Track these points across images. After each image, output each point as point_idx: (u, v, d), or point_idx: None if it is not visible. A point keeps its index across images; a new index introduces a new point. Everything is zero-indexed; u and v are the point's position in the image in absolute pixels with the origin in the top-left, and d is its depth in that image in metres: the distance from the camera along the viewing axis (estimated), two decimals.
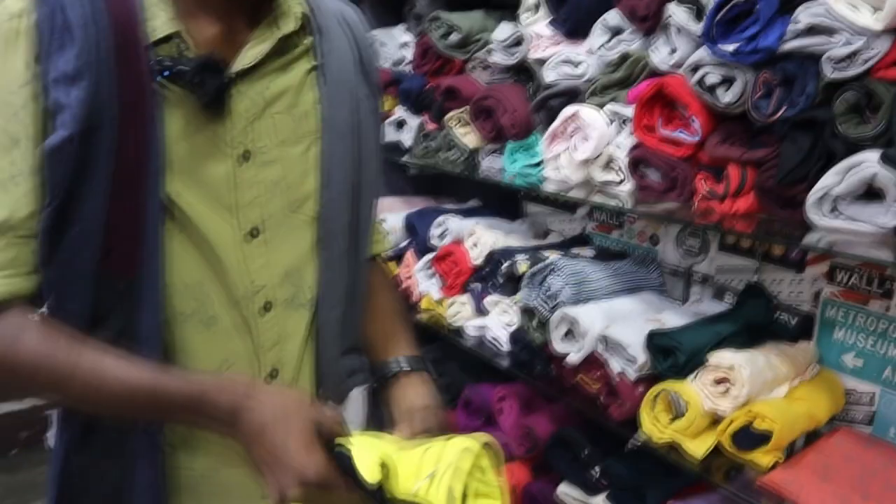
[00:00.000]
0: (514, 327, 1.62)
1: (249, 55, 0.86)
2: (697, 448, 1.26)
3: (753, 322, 1.41)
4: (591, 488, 1.52)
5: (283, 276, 0.92)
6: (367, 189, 0.99)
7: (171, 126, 0.82)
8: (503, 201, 2.04)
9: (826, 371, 1.40)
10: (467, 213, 2.01)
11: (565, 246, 1.76)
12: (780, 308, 1.47)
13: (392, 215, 2.11)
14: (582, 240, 1.81)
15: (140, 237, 0.81)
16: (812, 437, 1.32)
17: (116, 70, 0.77)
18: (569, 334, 1.47)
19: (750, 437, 1.22)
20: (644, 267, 1.64)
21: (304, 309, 0.95)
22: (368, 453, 0.79)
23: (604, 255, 1.67)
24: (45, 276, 0.81)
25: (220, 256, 0.86)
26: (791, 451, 1.27)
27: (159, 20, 0.81)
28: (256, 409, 0.78)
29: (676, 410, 1.29)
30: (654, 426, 1.31)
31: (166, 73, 0.80)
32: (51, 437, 3.34)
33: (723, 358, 1.25)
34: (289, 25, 0.89)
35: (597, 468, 1.51)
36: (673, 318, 1.43)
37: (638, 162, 1.35)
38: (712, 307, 1.53)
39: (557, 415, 1.68)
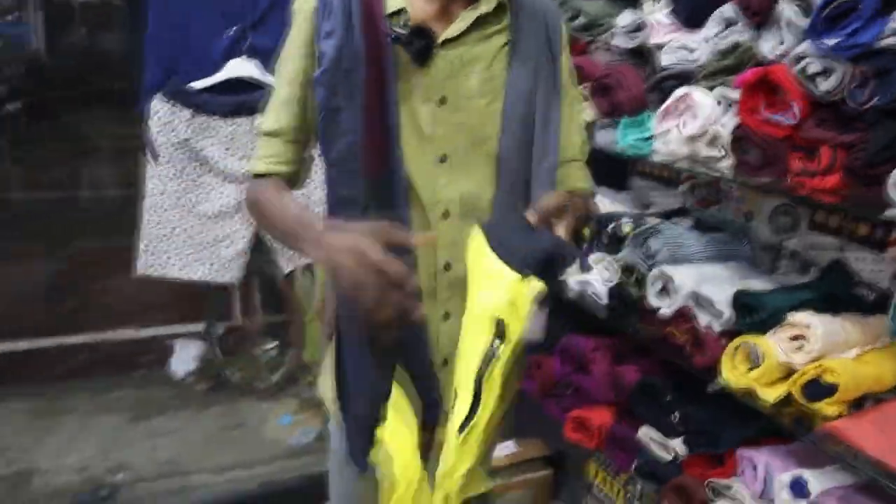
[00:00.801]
0: (613, 283, 1.81)
1: (453, 28, 1.16)
2: (770, 395, 1.43)
3: (833, 293, 1.55)
4: (670, 432, 1.71)
5: (461, 194, 1.18)
6: (541, 140, 1.22)
7: (397, 73, 1.15)
8: (610, 174, 2.22)
9: None
10: None
11: (666, 216, 1.93)
12: (861, 284, 1.60)
13: None
14: (682, 212, 1.98)
15: (387, 148, 1.14)
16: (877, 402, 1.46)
17: (363, 32, 1.13)
18: (662, 291, 1.66)
19: (818, 389, 1.38)
20: (737, 240, 1.80)
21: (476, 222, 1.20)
22: None
23: (701, 227, 1.83)
24: (326, 174, 1.20)
25: (416, 172, 1.16)
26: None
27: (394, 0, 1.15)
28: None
29: (754, 361, 1.46)
30: (733, 374, 1.48)
31: (393, 36, 1.13)
32: (173, 362, 3.75)
33: (800, 318, 1.41)
34: (487, 7, 1.17)
35: (676, 413, 1.69)
36: (759, 285, 1.59)
37: (740, 140, 1.52)
38: (797, 280, 1.68)
39: (644, 366, 1.87)
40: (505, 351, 1.01)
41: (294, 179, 1.24)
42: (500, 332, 1.01)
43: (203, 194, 2.06)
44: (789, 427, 1.40)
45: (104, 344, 3.78)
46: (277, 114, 1.21)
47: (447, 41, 1.17)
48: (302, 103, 1.19)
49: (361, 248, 0.94)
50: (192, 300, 3.75)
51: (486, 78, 1.19)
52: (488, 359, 1.02)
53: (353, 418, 1.30)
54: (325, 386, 1.38)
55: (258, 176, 1.21)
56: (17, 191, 4.45)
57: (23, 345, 3.61)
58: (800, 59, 1.38)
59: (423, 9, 1.16)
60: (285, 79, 1.20)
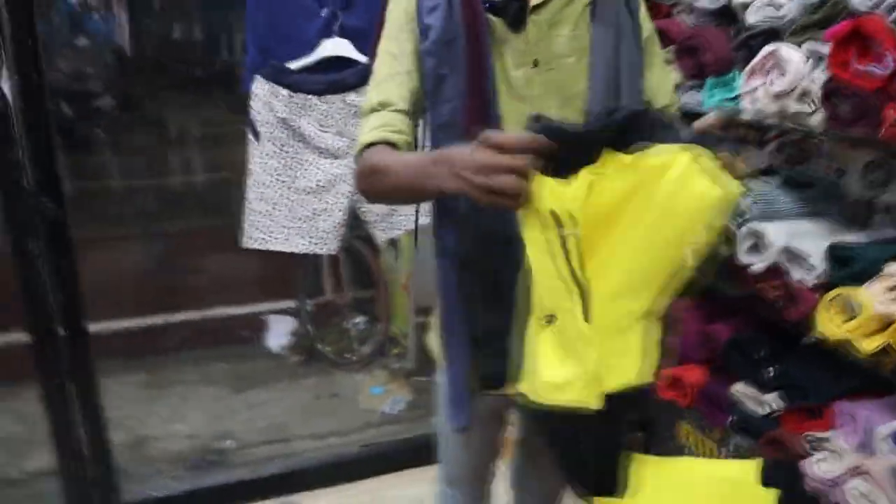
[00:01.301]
0: None
1: None
2: (868, 345, 1.44)
3: None
4: (764, 386, 1.73)
5: None
6: (627, 91, 1.29)
7: (493, 40, 1.24)
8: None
9: None
10: None
11: (755, 175, 1.93)
12: None
13: None
14: (770, 172, 1.98)
15: (487, 110, 1.23)
16: None
17: (462, 3, 1.23)
18: (753, 248, 1.67)
19: None
20: (828, 196, 1.79)
21: None
22: None
23: (791, 184, 1.83)
24: (431, 138, 1.30)
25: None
26: None
27: None
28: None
29: (850, 313, 1.47)
30: (829, 326, 1.49)
31: (487, 5, 1.22)
32: (268, 337, 3.93)
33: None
34: None
35: (771, 368, 1.71)
36: (853, 239, 1.59)
37: (831, 94, 1.52)
38: (893, 234, 1.67)
39: (735, 325, 1.89)
40: None
41: (404, 149, 1.29)
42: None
43: (301, 170, 2.16)
44: (889, 376, 1.40)
45: (204, 321, 3.99)
46: (384, 88, 1.29)
47: (536, 6, 1.25)
48: (410, 75, 1.28)
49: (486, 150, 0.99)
50: (284, 278, 3.93)
51: (573, 37, 1.27)
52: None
53: (451, 372, 1.39)
54: (433, 339, 1.46)
55: (369, 146, 1.27)
56: (116, 179, 4.69)
57: (130, 323, 3.85)
58: (894, 7, 1.37)
59: None
60: (391, 54, 1.29)
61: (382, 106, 1.28)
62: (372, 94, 1.31)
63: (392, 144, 1.25)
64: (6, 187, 2.02)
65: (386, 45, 1.31)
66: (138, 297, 3.99)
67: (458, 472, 1.60)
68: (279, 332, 3.95)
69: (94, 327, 2.31)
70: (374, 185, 1.25)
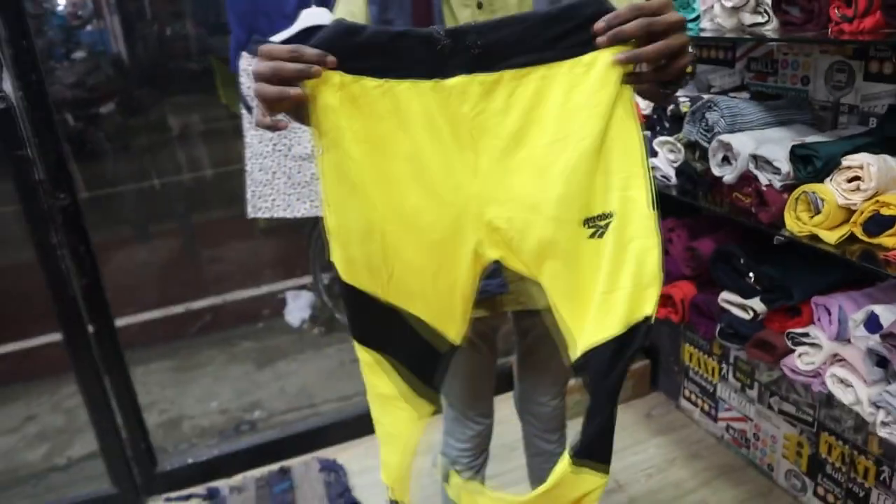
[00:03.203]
0: (679, 162, 1.91)
1: None
2: (833, 236, 1.52)
3: (890, 136, 1.61)
4: (747, 293, 1.82)
5: None
6: None
7: None
8: None
9: None
10: None
11: (724, 94, 2.01)
12: None
13: None
14: (740, 89, 2.05)
15: None
16: None
17: None
18: (724, 160, 1.75)
19: (878, 223, 1.46)
20: (796, 105, 1.86)
21: None
22: None
23: (759, 97, 1.91)
24: None
25: None
26: None
27: None
28: None
29: (815, 209, 1.55)
30: (796, 223, 1.58)
31: None
32: (288, 313, 4.06)
33: (854, 159, 1.49)
34: None
35: (751, 274, 1.80)
36: (815, 139, 1.67)
37: (780, 1, 1.59)
38: (853, 132, 1.74)
39: (717, 239, 1.97)
40: None
41: None
42: None
43: (295, 138, 2.26)
44: (857, 265, 1.48)
45: (225, 305, 4.14)
46: None
47: None
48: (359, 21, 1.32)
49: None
50: (298, 258, 4.06)
51: None
52: None
53: None
54: None
55: None
56: (125, 182, 4.82)
57: (157, 314, 4.00)
58: None
59: None
60: (346, 8, 1.34)
61: None
62: None
63: None
64: (20, 183, 2.14)
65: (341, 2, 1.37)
66: (161, 289, 4.13)
67: (455, 393, 1.69)
68: (298, 308, 4.08)
69: (122, 321, 2.43)
70: None
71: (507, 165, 1.12)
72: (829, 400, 1.85)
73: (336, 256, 1.26)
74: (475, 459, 1.71)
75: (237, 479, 2.59)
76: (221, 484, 2.57)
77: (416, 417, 1.41)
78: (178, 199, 4.66)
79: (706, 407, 2.57)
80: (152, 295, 4.07)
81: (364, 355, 1.37)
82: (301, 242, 3.92)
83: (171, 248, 4.44)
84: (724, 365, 2.43)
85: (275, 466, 2.62)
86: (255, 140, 2.26)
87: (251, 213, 2.32)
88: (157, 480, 2.54)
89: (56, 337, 2.35)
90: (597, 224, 1.17)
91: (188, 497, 2.52)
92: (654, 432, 2.62)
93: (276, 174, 2.28)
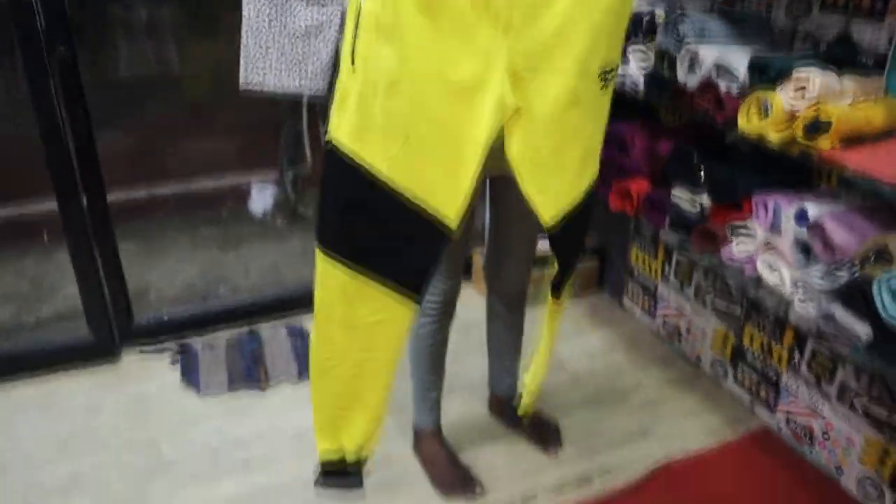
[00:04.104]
0: (648, 69, 2.11)
1: None
2: (777, 137, 1.74)
3: (837, 58, 1.83)
4: (697, 188, 2.05)
5: None
6: None
7: None
8: None
9: (890, 99, 1.82)
10: None
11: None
12: (863, 53, 1.87)
13: None
14: (710, 11, 2.24)
15: None
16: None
17: None
18: (690, 67, 1.96)
19: (815, 126, 1.69)
20: (758, 27, 2.07)
21: None
22: None
23: (726, 17, 2.11)
24: None
25: None
26: None
27: None
28: None
29: (764, 112, 1.77)
30: (748, 124, 1.80)
31: None
32: (252, 203, 4.18)
33: (802, 71, 1.71)
34: None
35: (702, 171, 2.03)
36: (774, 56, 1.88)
37: None
38: (805, 53, 1.96)
39: (675, 140, 2.19)
40: None
41: None
42: None
43: (291, 16, 2.38)
44: (796, 161, 1.71)
45: (189, 193, 4.22)
46: None
47: None
48: None
49: None
50: (265, 152, 4.15)
51: None
52: None
53: None
54: None
55: None
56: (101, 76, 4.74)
57: (120, 195, 4.06)
58: None
59: None
60: None
61: None
62: None
63: None
64: (22, 30, 2.21)
65: None
66: (125, 172, 4.18)
67: None
68: (262, 199, 4.20)
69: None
70: None
71: (538, 22, 1.27)
72: (758, 284, 2.09)
73: (344, 123, 1.35)
74: (443, 313, 1.91)
75: (208, 336, 2.77)
76: (194, 340, 2.74)
77: (400, 331, 1.51)
78: (144, 91, 4.66)
79: (646, 304, 2.84)
80: (115, 177, 4.12)
81: (334, 273, 1.41)
82: (273, 138, 4.04)
83: (138, 134, 4.47)
84: (666, 266, 2.68)
85: (244, 329, 2.80)
86: (253, 13, 2.37)
87: (243, 83, 2.44)
88: (133, 333, 2.70)
89: (17, 210, 2.38)
90: (606, 77, 1.38)
91: (162, 349, 2.69)
92: (598, 325, 2.89)
93: (270, 48, 2.40)
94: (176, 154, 4.34)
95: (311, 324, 1.56)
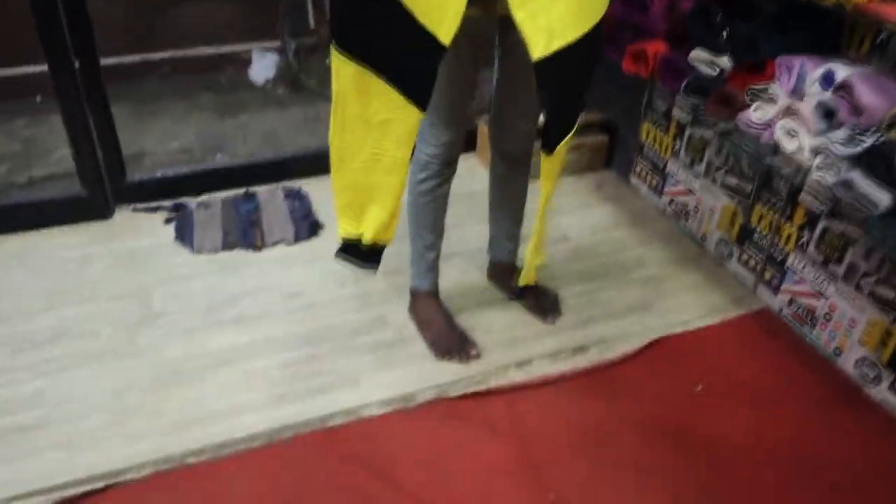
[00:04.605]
0: None
1: None
2: None
3: None
4: (718, 49, 1.92)
5: None
6: None
7: None
8: None
9: None
10: None
11: None
12: None
13: None
14: None
15: None
16: None
17: None
18: None
19: None
20: None
21: None
22: None
23: None
24: None
25: None
26: None
27: None
28: None
29: None
30: None
31: None
32: (252, 71, 4.04)
33: None
34: None
35: (724, 31, 1.90)
36: None
37: None
38: None
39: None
40: None
41: None
42: None
43: None
44: (827, 12, 1.58)
45: (188, 58, 4.06)
46: None
47: None
48: None
49: None
50: (268, 19, 3.97)
51: None
52: None
53: None
54: None
55: None
56: None
57: (112, 60, 3.91)
58: None
59: None
60: None
61: None
62: None
63: None
64: None
65: None
66: (118, 36, 4.01)
67: (435, 96, 1.64)
68: (263, 67, 4.05)
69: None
70: None
71: None
72: (775, 151, 1.99)
73: None
74: (445, 167, 1.83)
75: (204, 197, 2.70)
76: (188, 199, 2.67)
77: (408, 132, 1.52)
78: None
79: (654, 182, 2.75)
80: (107, 41, 3.96)
81: (345, 68, 1.44)
82: (276, 6, 3.87)
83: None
84: (677, 141, 2.58)
85: (241, 190, 2.73)
86: None
87: None
88: (126, 190, 2.64)
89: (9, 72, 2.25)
90: None
91: (156, 209, 2.63)
92: (603, 200, 2.81)
93: None
94: (169, 21, 4.17)
95: (329, 116, 1.56)
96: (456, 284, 2.25)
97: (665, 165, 2.67)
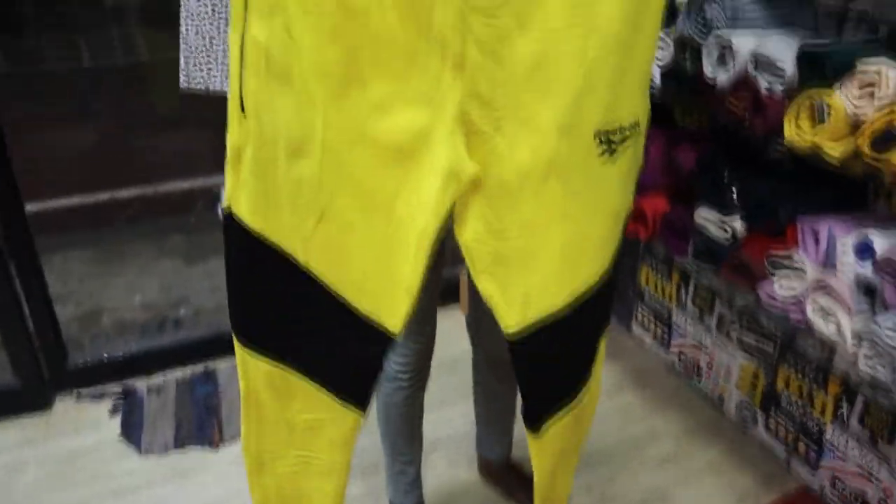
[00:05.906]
0: (665, 62, 1.72)
1: None
2: (837, 149, 1.37)
3: None
4: (728, 209, 1.67)
5: None
6: None
7: None
8: None
9: None
10: None
11: None
12: None
13: None
14: None
15: None
16: None
17: None
18: (720, 59, 1.57)
19: (888, 138, 1.31)
20: (800, 7, 1.69)
21: None
22: None
23: None
24: None
25: None
26: None
27: None
28: None
29: (819, 118, 1.39)
30: (797, 133, 1.42)
31: None
32: (219, 208, 3.82)
33: (871, 63, 1.33)
34: None
35: (734, 189, 1.65)
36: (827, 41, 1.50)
37: None
38: (864, 38, 1.58)
39: (699, 149, 1.81)
40: None
41: None
42: None
43: None
44: (857, 180, 1.34)
45: (156, 195, 3.86)
46: None
47: None
48: None
49: None
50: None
51: None
52: None
53: None
54: None
55: None
56: (50, 61, 4.44)
57: (80, 199, 3.70)
58: None
59: None
60: None
61: None
62: None
63: None
64: None
65: None
66: (86, 174, 3.83)
67: None
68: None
69: (37, 205, 2.16)
70: None
71: (503, 56, 0.87)
72: (807, 331, 1.73)
73: (241, 191, 0.99)
74: (416, 377, 1.54)
75: (157, 378, 2.39)
76: (139, 383, 2.37)
77: (344, 435, 1.17)
78: (111, 80, 4.31)
79: (659, 332, 2.46)
80: (75, 180, 3.76)
81: (254, 363, 1.11)
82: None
83: (101, 132, 4.11)
84: (682, 291, 2.31)
85: (199, 367, 2.43)
86: (193, 1, 1.98)
87: (184, 83, 2.05)
88: (67, 375, 2.33)
89: None
90: (609, 141, 0.97)
91: (101, 395, 2.31)
92: (604, 355, 2.51)
93: (215, 40, 2.01)
94: (138, 155, 3.99)
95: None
96: (442, 480, 1.93)
97: (670, 314, 2.39)
